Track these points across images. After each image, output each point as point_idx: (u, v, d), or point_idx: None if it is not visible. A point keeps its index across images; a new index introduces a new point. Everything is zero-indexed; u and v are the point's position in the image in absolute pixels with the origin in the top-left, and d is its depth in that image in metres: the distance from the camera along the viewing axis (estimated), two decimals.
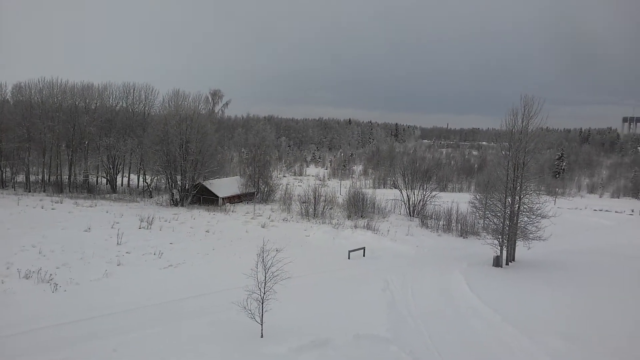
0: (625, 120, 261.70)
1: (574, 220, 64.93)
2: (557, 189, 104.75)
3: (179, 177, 64.81)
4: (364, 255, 37.86)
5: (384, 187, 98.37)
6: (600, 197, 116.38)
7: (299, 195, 63.87)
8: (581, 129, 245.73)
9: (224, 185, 68.77)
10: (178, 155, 63.41)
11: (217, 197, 65.19)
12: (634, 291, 30.79)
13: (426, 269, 34.59)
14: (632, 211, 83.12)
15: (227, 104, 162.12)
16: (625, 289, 31.37)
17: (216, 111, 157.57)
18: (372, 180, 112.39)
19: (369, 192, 67.38)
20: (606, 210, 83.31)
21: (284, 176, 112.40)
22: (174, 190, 64.94)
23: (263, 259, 20.19)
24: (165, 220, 48.22)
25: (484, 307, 25.93)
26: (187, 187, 64.52)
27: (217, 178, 70.35)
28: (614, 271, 36.62)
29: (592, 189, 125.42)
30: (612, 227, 63.42)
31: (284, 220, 53.10)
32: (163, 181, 71.75)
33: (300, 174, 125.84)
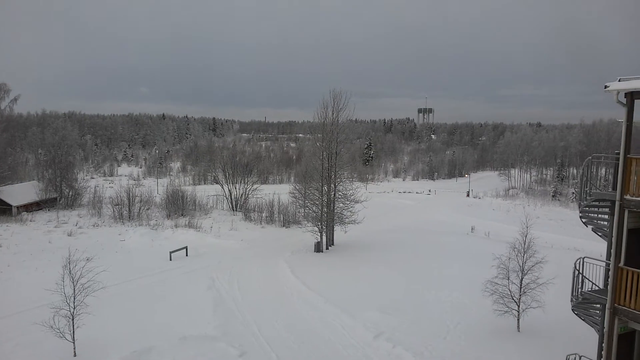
0: (420, 111, 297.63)
1: (383, 203, 71.87)
2: (367, 175, 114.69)
3: None
4: (187, 255, 36.94)
5: (204, 183, 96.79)
6: (404, 180, 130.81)
7: (110, 198, 59.45)
8: (384, 119, 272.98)
9: (18, 192, 60.63)
10: None
11: (10, 205, 57.25)
12: (436, 262, 35.35)
13: (252, 261, 35.15)
14: (430, 191, 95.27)
15: (15, 99, 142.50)
16: (427, 260, 35.85)
17: (2, 108, 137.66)
18: (191, 177, 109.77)
19: (188, 189, 65.76)
20: (409, 192, 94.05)
21: (92, 178, 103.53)
22: None
23: (70, 271, 18.46)
24: None
25: (308, 291, 27.36)
26: None
27: (8, 184, 61.79)
28: (418, 245, 41.58)
29: (396, 174, 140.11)
30: (414, 206, 71.85)
31: (94, 225, 49.00)
32: None
33: (111, 175, 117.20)
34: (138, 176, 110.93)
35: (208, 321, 22.35)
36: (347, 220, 41.41)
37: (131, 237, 43.19)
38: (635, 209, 12.07)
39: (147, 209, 56.66)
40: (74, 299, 18.29)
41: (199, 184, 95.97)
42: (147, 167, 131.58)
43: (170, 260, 35.29)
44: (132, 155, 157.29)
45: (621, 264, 12.34)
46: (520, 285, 20.80)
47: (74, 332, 18.27)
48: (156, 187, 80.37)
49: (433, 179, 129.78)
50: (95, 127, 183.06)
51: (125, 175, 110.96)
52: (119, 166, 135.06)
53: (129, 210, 53.60)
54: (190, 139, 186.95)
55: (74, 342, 18.30)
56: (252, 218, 55.30)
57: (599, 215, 14.89)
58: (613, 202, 12.79)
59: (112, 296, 25.44)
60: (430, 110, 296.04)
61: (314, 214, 41.62)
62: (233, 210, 61.47)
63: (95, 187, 67.80)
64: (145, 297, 26.44)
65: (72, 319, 18.28)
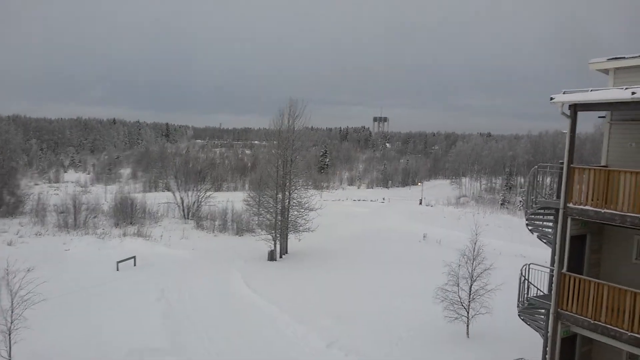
0: (375, 119, 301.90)
1: (337, 211, 72.16)
2: (322, 183, 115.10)
3: None
4: (135, 265, 35.85)
5: (155, 191, 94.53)
6: (359, 188, 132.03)
7: (55, 205, 57.11)
8: (340, 127, 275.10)
9: None
10: None
11: None
12: (389, 269, 35.70)
13: (203, 271, 34.46)
14: (383, 199, 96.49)
15: None
16: (381, 267, 36.17)
17: None
18: (142, 184, 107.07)
19: (138, 196, 64.01)
20: (363, 200, 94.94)
21: (36, 184, 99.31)
22: None
23: (8, 283, 17.55)
24: None
25: (261, 300, 27.07)
26: None
27: None
28: (371, 253, 41.92)
29: (351, 182, 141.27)
30: (368, 214, 72.49)
31: (37, 234, 46.89)
32: None
33: (57, 181, 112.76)
34: (85, 183, 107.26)
35: (157, 333, 21.72)
36: (301, 228, 41.34)
37: (76, 246, 41.58)
38: (578, 217, 12.56)
39: (94, 217, 54.75)
40: (12, 312, 17.37)
41: (150, 191, 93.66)
42: (96, 173, 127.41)
43: (118, 270, 34.16)
44: (79, 161, 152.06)
45: (564, 270, 12.81)
46: (470, 291, 21.29)
47: (10, 348, 17.34)
48: (104, 194, 77.86)
49: (387, 187, 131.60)
50: (41, 131, 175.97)
51: (72, 182, 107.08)
52: (65, 172, 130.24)
53: (74, 218, 51.61)
54: (141, 145, 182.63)
55: (9, 359, 17.35)
56: (205, 226, 54.34)
57: (544, 223, 15.44)
58: (557, 210, 13.28)
59: (55, 309, 24.34)
60: (385, 119, 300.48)
61: (268, 222, 41.33)
62: (185, 218, 60.24)
63: (39, 194, 65.00)
64: (91, 309, 25.44)
65: (9, 334, 17.35)
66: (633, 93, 10.95)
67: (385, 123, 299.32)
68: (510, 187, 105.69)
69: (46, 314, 22.34)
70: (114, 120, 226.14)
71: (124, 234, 46.84)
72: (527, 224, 15.72)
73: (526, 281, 15.05)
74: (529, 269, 15.11)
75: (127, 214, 55.05)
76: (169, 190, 67.78)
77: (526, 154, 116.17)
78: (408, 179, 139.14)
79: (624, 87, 11.80)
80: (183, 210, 61.42)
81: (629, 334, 11.28)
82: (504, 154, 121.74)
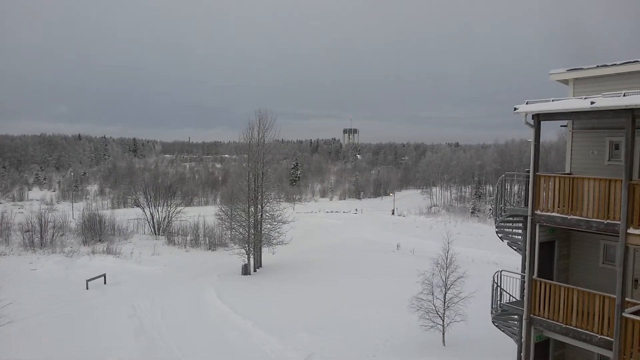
0: (345, 131, 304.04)
1: (311, 223, 72.22)
2: (294, 196, 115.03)
3: None
4: (105, 283, 35.04)
5: (124, 207, 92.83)
6: (331, 200, 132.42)
7: (20, 224, 55.46)
8: (311, 140, 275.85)
9: None
10: None
11: None
12: (363, 279, 35.80)
13: (176, 287, 33.95)
14: (356, 210, 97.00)
15: None
16: (355, 278, 36.26)
17: None
18: (110, 200, 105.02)
19: (107, 213, 62.70)
20: (336, 211, 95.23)
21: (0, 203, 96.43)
22: None
23: None
24: None
25: (235, 316, 26.78)
26: None
27: None
28: (346, 264, 42.01)
29: (323, 193, 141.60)
30: (341, 226, 72.72)
31: (1, 254, 45.44)
32: None
33: (21, 199, 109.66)
34: (51, 200, 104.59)
35: (129, 351, 21.26)
36: (274, 241, 41.18)
37: (43, 265, 40.43)
38: (545, 224, 12.93)
39: (61, 235, 53.36)
40: None
41: (119, 208, 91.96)
42: (62, 190, 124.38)
43: (87, 289, 33.32)
44: (44, 178, 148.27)
45: (535, 276, 13.12)
46: (444, 300, 21.53)
47: None
48: (71, 212, 76.03)
49: (359, 198, 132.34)
50: (3, 148, 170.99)
51: (37, 200, 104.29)
52: (29, 190, 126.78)
53: (40, 236, 50.17)
54: (108, 161, 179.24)
55: None
56: (176, 242, 53.59)
57: (514, 230, 15.81)
58: (525, 217, 13.64)
59: (22, 331, 23.58)
60: (355, 131, 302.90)
61: (241, 236, 41.05)
62: (155, 234, 59.29)
63: (2, 213, 63.03)
64: (60, 329, 24.71)
65: None
66: (592, 103, 11.39)
67: (356, 135, 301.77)
68: (480, 196, 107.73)
69: (12, 336, 21.64)
70: (79, 136, 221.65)
71: (93, 252, 45.80)
72: (497, 232, 16.08)
73: (499, 288, 15.35)
74: (500, 275, 15.42)
75: (95, 231, 53.86)
76: (138, 206, 66.66)
77: (494, 162, 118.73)
78: (380, 189, 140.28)
79: (584, 97, 12.29)
80: (153, 226, 60.48)
81: (599, 336, 11.62)
82: (472, 164, 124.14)
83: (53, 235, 51.57)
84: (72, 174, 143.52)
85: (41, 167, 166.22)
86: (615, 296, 11.27)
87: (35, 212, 57.32)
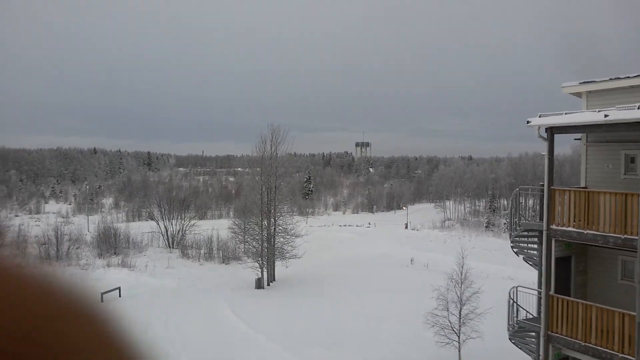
0: (357, 145, 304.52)
1: (324, 236, 72.03)
2: (307, 209, 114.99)
3: None
4: (120, 296, 35.26)
5: (139, 220, 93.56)
6: (344, 213, 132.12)
7: (36, 237, 56.13)
8: (323, 153, 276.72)
9: None
10: None
11: None
12: (377, 295, 35.58)
13: (190, 300, 34.01)
14: (369, 224, 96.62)
15: None
16: (369, 293, 36.04)
17: None
18: (125, 214, 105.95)
19: (122, 226, 63.26)
20: (349, 225, 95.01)
21: (17, 215, 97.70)
22: None
23: None
24: None
25: (248, 329, 26.75)
26: None
27: None
28: (360, 279, 41.77)
29: (336, 207, 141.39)
30: (355, 239, 72.47)
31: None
32: None
33: (38, 212, 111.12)
34: (67, 213, 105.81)
35: None
36: (288, 255, 41.12)
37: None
38: (561, 238, 12.78)
39: (77, 248, 53.89)
40: None
41: (133, 221, 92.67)
42: (77, 203, 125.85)
43: (102, 302, 33.51)
44: (60, 192, 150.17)
45: (552, 292, 12.95)
46: (460, 316, 21.30)
47: None
48: (87, 225, 76.80)
49: (372, 212, 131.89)
50: (20, 161, 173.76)
51: (54, 213, 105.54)
52: (46, 203, 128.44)
53: (57, 249, 50.75)
54: (123, 174, 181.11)
55: None
56: (190, 255, 53.77)
57: (529, 245, 15.63)
58: (541, 232, 13.49)
59: None
60: (367, 144, 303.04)
61: (254, 250, 41.07)
62: (169, 247, 59.57)
63: (19, 226, 63.91)
64: None
65: None
66: (606, 116, 11.30)
67: (368, 148, 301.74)
68: (494, 210, 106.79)
69: None
70: (95, 149, 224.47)
71: (108, 265, 46.17)
72: (512, 247, 15.91)
73: (515, 304, 15.14)
74: (517, 291, 15.22)
75: (110, 244, 54.32)
76: (152, 219, 67.10)
77: (507, 176, 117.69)
78: (393, 203, 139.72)
79: (597, 109, 12.19)
80: (167, 239, 60.77)
81: (620, 355, 11.37)
82: (485, 177, 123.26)
83: (69, 248, 52.10)
84: (87, 187, 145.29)
85: (57, 181, 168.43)
86: (635, 313, 11.06)
87: (51, 225, 58.06)
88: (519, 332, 15.17)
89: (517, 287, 15.33)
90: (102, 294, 34.21)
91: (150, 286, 39.02)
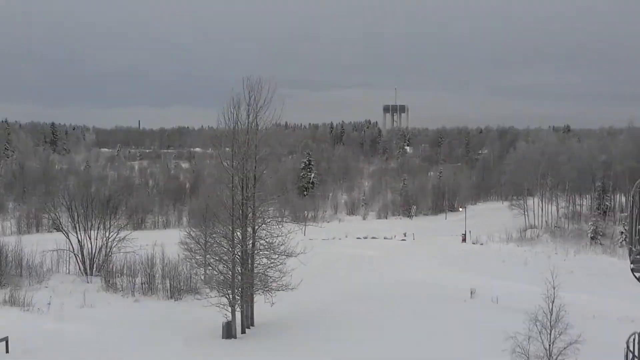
0: (386, 109, 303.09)
1: (332, 255, 72.27)
2: (306, 213, 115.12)
3: None
4: (7, 351, 35.49)
5: (37, 231, 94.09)
6: (364, 218, 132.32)
7: None
8: (332, 123, 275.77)
9: None
10: None
11: None
12: (417, 347, 35.68)
13: (115, 358, 34.19)
14: (405, 235, 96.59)
15: None
16: (404, 345, 36.13)
17: None
18: (15, 221, 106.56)
19: (10, 241, 63.54)
20: (372, 237, 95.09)
21: None
22: None
23: None
24: None
25: None
26: None
27: None
28: (388, 322, 41.87)
29: (352, 209, 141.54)
30: (381, 259, 72.61)
31: None
32: None
33: None
34: None
35: None
36: (274, 284, 41.17)
37: None
38: None
39: None
40: None
41: (29, 233, 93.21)
42: None
43: None
44: None
45: None
46: None
47: None
48: None
49: (410, 217, 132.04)
50: None
51: None
52: None
53: None
54: (12, 159, 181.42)
55: None
56: (119, 286, 53.95)
57: None
58: None
59: None
60: (403, 109, 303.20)
61: (222, 277, 41.16)
62: (86, 274, 59.83)
63: None
64: None
65: None
66: None
67: (403, 115, 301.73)
68: (606, 212, 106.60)
69: None
70: None
71: None
72: (632, 269, 15.86)
73: (635, 358, 15.15)
74: (638, 338, 15.23)
75: None
76: (59, 230, 67.35)
77: (627, 158, 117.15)
78: (442, 202, 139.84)
79: None
80: (83, 262, 60.99)
81: None
82: (591, 159, 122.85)
83: None
84: None
85: None
86: None
87: None
88: None
89: (638, 333, 15.33)
90: None
91: (55, 337, 39.18)
